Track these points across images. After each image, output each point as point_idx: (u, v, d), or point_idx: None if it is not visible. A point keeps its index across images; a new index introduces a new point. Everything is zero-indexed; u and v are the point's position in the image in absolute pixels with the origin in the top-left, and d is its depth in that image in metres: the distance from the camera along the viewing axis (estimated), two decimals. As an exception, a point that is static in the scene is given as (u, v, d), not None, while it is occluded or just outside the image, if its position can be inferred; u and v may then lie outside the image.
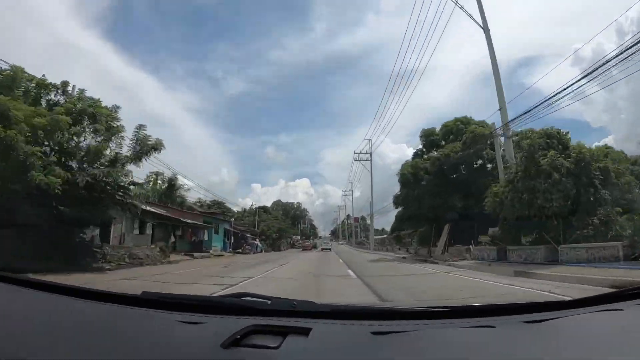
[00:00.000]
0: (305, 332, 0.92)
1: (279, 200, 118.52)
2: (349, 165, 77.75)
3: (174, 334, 0.99)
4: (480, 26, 17.82)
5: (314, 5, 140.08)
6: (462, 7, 17.56)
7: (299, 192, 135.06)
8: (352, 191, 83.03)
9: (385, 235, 69.30)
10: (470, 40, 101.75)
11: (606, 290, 2.24)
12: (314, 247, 59.53)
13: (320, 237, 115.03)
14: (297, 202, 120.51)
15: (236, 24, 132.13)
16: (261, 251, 35.82)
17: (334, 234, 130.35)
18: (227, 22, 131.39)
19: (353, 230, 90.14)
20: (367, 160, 44.94)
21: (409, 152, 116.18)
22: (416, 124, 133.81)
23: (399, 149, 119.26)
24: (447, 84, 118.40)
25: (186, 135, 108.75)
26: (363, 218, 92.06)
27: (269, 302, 1.14)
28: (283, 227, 57.92)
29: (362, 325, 1.01)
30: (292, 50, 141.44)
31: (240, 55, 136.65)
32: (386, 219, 74.59)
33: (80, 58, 77.51)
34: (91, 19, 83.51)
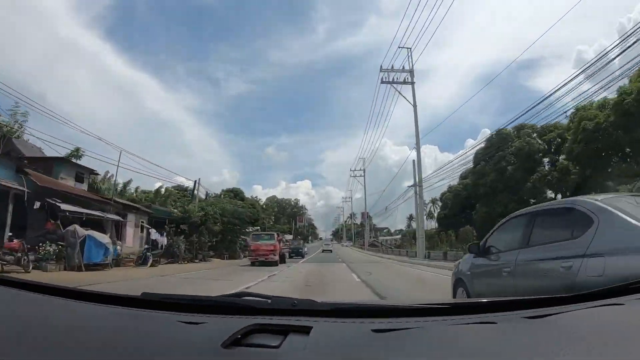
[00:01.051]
0: (306, 330, 0.95)
1: (274, 196, 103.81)
2: (350, 166, 74.22)
3: (174, 334, 1.02)
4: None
5: (316, 7, 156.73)
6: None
7: (300, 193, 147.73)
8: (363, 172, 65.30)
9: (397, 236, 58.20)
10: (470, 43, 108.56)
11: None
12: (298, 254, 33.66)
13: (320, 239, 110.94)
14: (295, 199, 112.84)
15: (237, 25, 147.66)
16: (144, 261, 17.06)
17: (336, 234, 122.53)
18: (228, 23, 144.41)
19: (367, 228, 71.78)
20: (404, 83, 27.80)
21: (411, 154, 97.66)
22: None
23: (400, 151, 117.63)
24: (447, 85, 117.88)
25: (187, 135, 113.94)
26: (368, 217, 74.41)
27: (269, 301, 1.18)
28: (242, 214, 32.33)
29: (363, 323, 1.04)
30: (293, 52, 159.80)
31: (241, 56, 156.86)
32: (391, 219, 74.12)
33: (81, 58, 79.45)
34: (92, 18, 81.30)
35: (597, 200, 3.02)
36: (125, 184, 32.65)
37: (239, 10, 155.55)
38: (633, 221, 2.55)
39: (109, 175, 29.87)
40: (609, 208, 2.81)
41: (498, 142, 29.16)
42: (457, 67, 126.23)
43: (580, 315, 1.06)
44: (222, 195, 41.82)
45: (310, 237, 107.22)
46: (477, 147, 29.86)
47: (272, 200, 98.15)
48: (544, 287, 3.01)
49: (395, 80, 29.39)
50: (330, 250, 48.10)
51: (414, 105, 27.52)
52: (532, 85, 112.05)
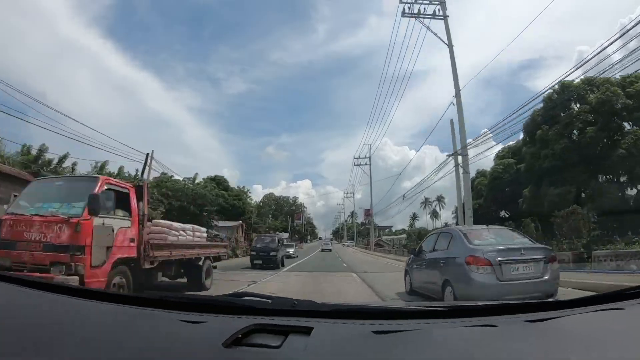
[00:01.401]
0: (306, 331, 0.98)
1: (272, 194, 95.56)
2: (351, 167, 61.82)
3: (175, 333, 1.04)
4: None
5: (316, 7, 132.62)
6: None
7: (300, 193, 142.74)
8: (368, 160, 53.72)
9: (402, 236, 55.48)
10: (470, 44, 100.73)
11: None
12: (269, 261, 18.29)
13: (320, 238, 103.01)
14: (294, 196, 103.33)
15: (238, 25, 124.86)
16: None
17: (337, 233, 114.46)
18: (229, 23, 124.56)
19: (372, 225, 59.26)
20: (433, 17, 20.32)
21: (411, 155, 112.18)
22: (417, 126, 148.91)
23: (401, 151, 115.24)
24: (448, 85, 69.85)
25: (187, 135, 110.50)
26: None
27: (270, 301, 1.22)
28: (204, 197, 24.00)
29: (364, 324, 1.07)
30: (294, 51, 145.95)
31: (242, 56, 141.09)
32: (390, 220, 74.37)
33: (82, 57, 64.54)
34: (93, 18, 68.60)
35: (459, 229, 7.29)
36: (61, 159, 24.12)
37: (239, 10, 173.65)
38: (465, 241, 5.88)
39: (44, 147, 22.86)
40: (460, 233, 6.28)
41: (563, 100, 20.57)
42: (457, 67, 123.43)
43: (581, 320, 1.10)
44: (194, 180, 33.12)
45: (309, 237, 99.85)
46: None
47: (270, 197, 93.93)
48: (432, 273, 6.56)
49: (422, 13, 21.44)
50: (330, 249, 47.00)
51: (450, 45, 20.46)
52: (532, 86, 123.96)
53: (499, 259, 5.29)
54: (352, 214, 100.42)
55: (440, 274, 6.23)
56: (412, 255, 8.30)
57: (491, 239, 6.18)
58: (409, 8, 20.88)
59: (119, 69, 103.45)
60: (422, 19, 20.37)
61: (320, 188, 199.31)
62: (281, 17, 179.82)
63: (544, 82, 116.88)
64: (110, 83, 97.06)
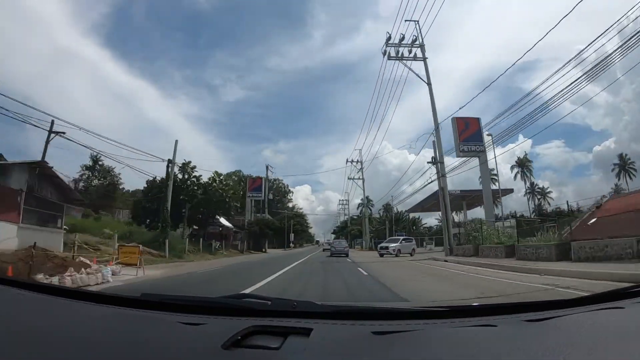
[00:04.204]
0: (306, 332, 1.01)
1: (239, 171, 70.95)
2: (349, 170, 61.36)
3: (174, 335, 1.06)
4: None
5: (313, 13, 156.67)
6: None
7: (299, 197, 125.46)
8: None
9: (508, 224, 27.84)
10: (468, 46, 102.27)
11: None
12: None
13: (317, 242, 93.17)
14: (276, 178, 73.17)
15: (235, 32, 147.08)
16: None
17: (343, 230, 77.04)
18: (225, 31, 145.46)
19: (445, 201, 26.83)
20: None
21: (410, 158, 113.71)
22: (416, 130, 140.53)
23: (400, 154, 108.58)
24: (446, 89, 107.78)
25: (185, 142, 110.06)
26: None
27: (270, 302, 1.23)
28: None
29: (363, 325, 1.10)
30: (290, 58, 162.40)
31: (239, 63, 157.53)
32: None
33: (79, 65, 72.01)
34: (89, 26, 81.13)
35: (332, 240, 59.80)
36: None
37: (236, 17, 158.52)
38: (331, 243, 45.61)
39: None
40: (332, 241, 52.47)
41: None
42: (453, 71, 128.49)
43: (580, 319, 1.12)
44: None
45: (292, 239, 57.43)
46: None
47: (234, 176, 60.88)
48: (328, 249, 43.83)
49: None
50: (329, 248, 40.18)
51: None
52: (528, 88, 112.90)
53: (334, 244, 34.58)
54: (367, 201, 59.64)
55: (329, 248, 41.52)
56: (328, 246, 43.70)
57: (335, 241, 42.17)
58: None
59: (115, 76, 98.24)
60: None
61: (319, 194, 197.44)
62: (277, 23, 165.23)
63: (538, 83, 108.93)
64: (106, 91, 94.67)
